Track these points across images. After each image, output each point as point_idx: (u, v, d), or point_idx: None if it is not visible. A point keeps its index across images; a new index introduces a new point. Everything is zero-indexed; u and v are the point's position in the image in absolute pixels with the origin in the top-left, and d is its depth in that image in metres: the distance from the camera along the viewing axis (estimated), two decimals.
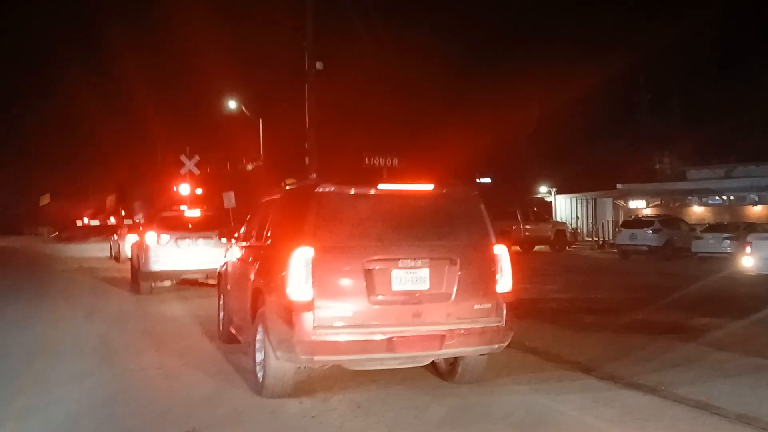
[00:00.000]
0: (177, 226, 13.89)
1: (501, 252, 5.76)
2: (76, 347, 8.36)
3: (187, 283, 14.53)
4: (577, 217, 38.72)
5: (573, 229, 35.36)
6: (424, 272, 5.47)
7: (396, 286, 5.40)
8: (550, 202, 39.88)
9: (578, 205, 39.20)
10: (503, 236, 22.53)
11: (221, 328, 8.43)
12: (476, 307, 5.57)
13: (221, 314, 8.52)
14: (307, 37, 20.41)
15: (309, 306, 5.20)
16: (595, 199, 38.34)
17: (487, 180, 40.35)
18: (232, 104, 33.51)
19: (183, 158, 32.52)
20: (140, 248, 14.13)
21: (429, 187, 5.85)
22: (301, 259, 5.24)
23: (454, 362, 6.21)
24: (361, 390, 6.04)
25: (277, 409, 5.55)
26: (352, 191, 5.58)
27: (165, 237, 13.62)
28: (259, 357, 5.97)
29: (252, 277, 6.44)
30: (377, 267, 5.36)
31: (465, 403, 5.77)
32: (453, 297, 5.51)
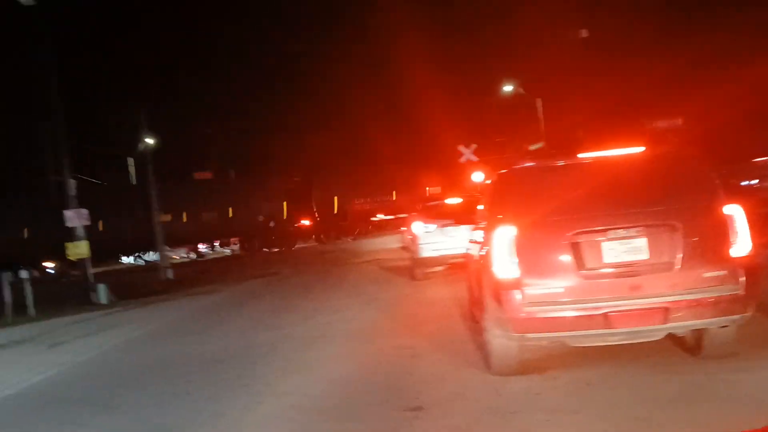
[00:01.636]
0: (441, 214, 14.53)
1: (733, 212, 5.10)
2: (347, 332, 9.28)
3: (460, 268, 15.10)
4: None
5: None
6: (640, 241, 5.08)
7: (608, 258, 5.11)
8: None
9: None
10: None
11: (468, 309, 8.67)
12: (706, 275, 5.01)
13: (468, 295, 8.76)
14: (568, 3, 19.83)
15: (516, 283, 5.17)
16: None
17: None
18: (508, 87, 33.68)
19: (461, 148, 33.64)
20: (411, 237, 15.07)
21: (636, 150, 5.41)
22: (503, 237, 5.24)
23: (699, 336, 5.65)
24: (594, 368, 5.78)
25: (502, 386, 5.60)
26: (552, 164, 5.41)
27: (431, 225, 14.34)
28: (486, 335, 6.08)
29: (476, 257, 6.58)
30: (585, 239, 5.12)
31: (707, 379, 5.22)
32: (676, 266, 5.03)
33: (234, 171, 44.97)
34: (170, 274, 25.92)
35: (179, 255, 44.52)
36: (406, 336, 8.40)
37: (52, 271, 39.67)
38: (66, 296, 18.72)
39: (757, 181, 24.13)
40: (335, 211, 44.34)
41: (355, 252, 31.32)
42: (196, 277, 24.99)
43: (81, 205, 18.85)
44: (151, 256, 40.21)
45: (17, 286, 17.07)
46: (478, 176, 31.19)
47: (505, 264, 5.23)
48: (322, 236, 45.08)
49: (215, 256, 46.37)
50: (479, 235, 6.91)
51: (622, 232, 5.11)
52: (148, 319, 14.22)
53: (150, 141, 27.72)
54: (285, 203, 42.30)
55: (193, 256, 46.74)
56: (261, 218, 40.67)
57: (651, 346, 5.95)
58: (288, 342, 8.92)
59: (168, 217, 32.50)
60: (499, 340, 5.65)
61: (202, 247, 47.68)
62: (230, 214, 41.37)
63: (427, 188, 37.15)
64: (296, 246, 43.07)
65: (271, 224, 40.69)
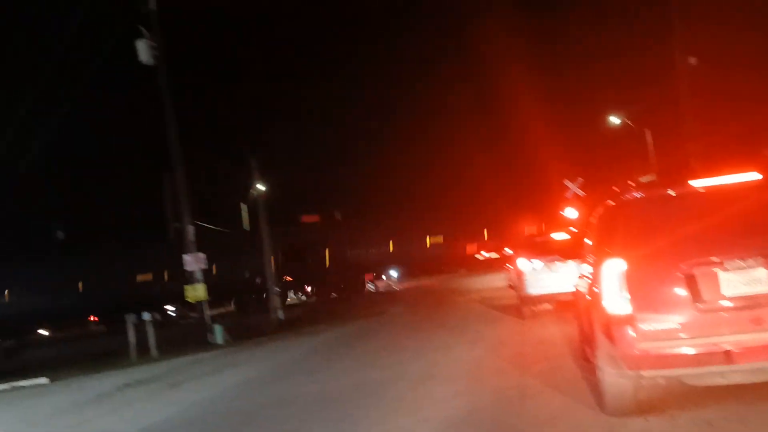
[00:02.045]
0: (547, 251, 14.26)
1: None
2: (454, 371, 9.21)
3: (569, 306, 14.73)
4: None
5: None
6: (760, 272, 4.81)
7: (726, 291, 4.85)
8: None
9: None
10: None
11: (579, 347, 8.43)
12: None
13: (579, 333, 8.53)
14: (673, 32, 19.32)
15: (629, 319, 5.00)
16: None
17: None
18: (614, 119, 32.89)
19: (567, 182, 33.02)
20: (517, 275, 14.86)
21: (753, 177, 5.16)
22: (613, 271, 5.10)
23: None
24: (715, 406, 5.46)
25: (617, 427, 5.38)
26: (662, 194, 5.24)
27: (537, 262, 14.10)
28: (599, 374, 5.90)
29: (585, 293, 6.43)
30: (700, 271, 4.90)
31: None
32: None
33: (340, 213, 46.04)
34: (281, 314, 26.67)
35: (289, 296, 45.72)
36: (515, 375, 8.24)
37: (173, 314, 41.72)
38: (185, 337, 19.65)
39: None
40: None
41: (459, 290, 31.15)
42: (306, 318, 25.60)
43: (198, 249, 19.84)
44: (263, 297, 41.53)
45: (141, 328, 18.10)
46: (574, 212, 30.40)
47: (615, 299, 5.09)
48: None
49: (325, 297, 47.34)
50: (588, 270, 6.76)
51: (740, 263, 4.87)
52: (262, 358, 14.68)
53: (261, 187, 28.90)
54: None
55: (302, 297, 47.93)
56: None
57: None
58: (396, 381, 8.96)
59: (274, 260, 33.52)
60: (613, 379, 5.45)
61: (310, 289, 48.86)
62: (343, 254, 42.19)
63: (525, 228, 36.62)
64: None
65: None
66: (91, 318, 49.17)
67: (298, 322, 24.12)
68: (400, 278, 57.88)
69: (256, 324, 24.31)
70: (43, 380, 15.56)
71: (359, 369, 10.69)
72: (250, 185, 29.07)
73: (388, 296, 35.87)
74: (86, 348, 20.41)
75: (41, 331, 49.91)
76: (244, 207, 30.26)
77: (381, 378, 9.36)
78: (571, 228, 20.47)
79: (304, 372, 11.64)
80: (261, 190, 29.24)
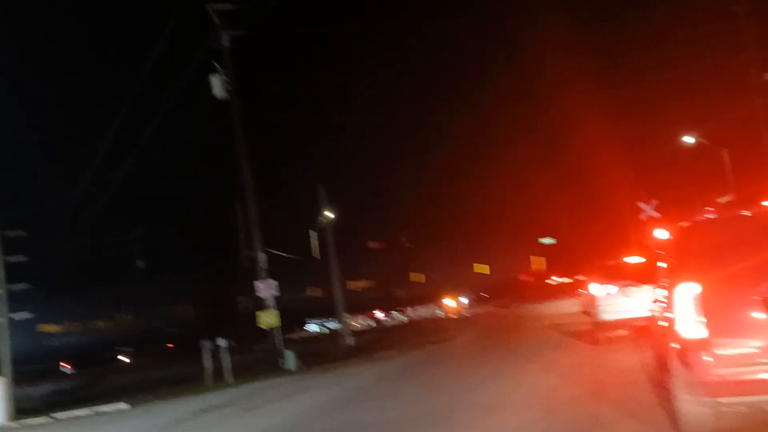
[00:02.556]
0: (620, 275, 13.92)
1: None
2: (526, 399, 9.05)
3: (645, 331, 14.29)
4: None
5: None
6: None
7: None
8: None
9: None
10: None
11: (655, 373, 8.17)
12: None
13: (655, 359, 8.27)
14: (746, 47, 18.78)
15: (704, 344, 4.85)
16: None
17: None
18: (689, 138, 31.99)
19: (641, 204, 32.18)
20: (590, 300, 14.54)
21: None
22: (686, 295, 4.96)
23: None
24: None
25: None
26: (736, 214, 5.09)
27: (610, 287, 13.78)
28: (676, 401, 5.71)
29: (660, 318, 6.25)
30: None
31: None
32: None
33: (406, 238, 46.06)
34: (351, 341, 26.82)
35: (359, 322, 45.93)
36: (590, 404, 8.04)
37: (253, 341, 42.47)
38: (258, 363, 19.97)
39: None
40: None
41: (531, 316, 30.59)
42: (375, 344, 25.63)
43: (270, 276, 20.24)
44: (333, 324, 41.88)
45: (216, 354, 18.53)
46: (661, 233, 29.47)
47: (691, 323, 4.94)
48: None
49: (392, 323, 47.32)
50: (662, 294, 6.58)
51: None
52: (332, 385, 14.77)
53: (329, 214, 29.33)
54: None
55: (371, 323, 48.07)
56: None
57: None
58: (466, 410, 8.85)
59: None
60: (690, 406, 5.27)
61: (379, 315, 48.95)
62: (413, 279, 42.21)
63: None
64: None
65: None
66: (169, 345, 50.65)
67: (367, 348, 24.18)
68: (470, 303, 57.39)
69: (325, 350, 24.51)
70: (124, 406, 16.09)
71: (428, 396, 10.64)
72: (319, 213, 29.53)
73: (458, 322, 35.56)
74: (164, 374, 21.04)
75: (121, 357, 51.65)
76: (313, 234, 30.75)
77: (450, 406, 9.28)
78: (646, 251, 19.92)
79: (373, 398, 11.65)
80: (329, 218, 29.67)
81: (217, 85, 20.09)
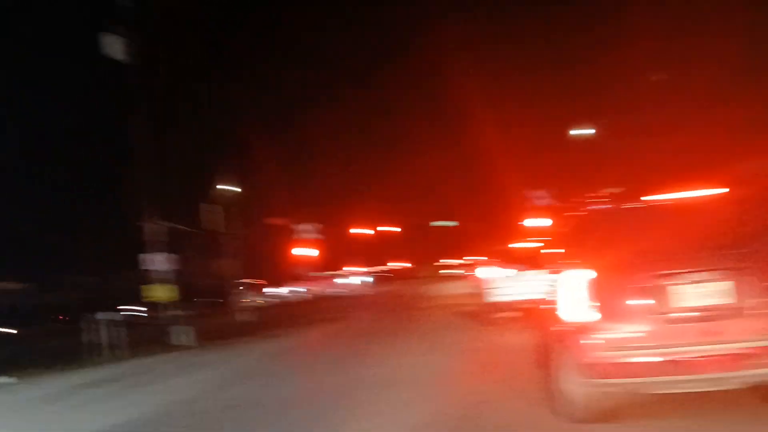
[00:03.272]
0: (512, 259, 14.45)
1: None
2: (415, 377, 9.25)
3: (532, 313, 14.88)
4: None
5: None
6: (722, 285, 4.96)
7: (688, 302, 4.99)
8: None
9: None
10: None
11: (541, 354, 8.55)
12: None
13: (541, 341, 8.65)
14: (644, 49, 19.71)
15: (591, 328, 5.13)
16: None
17: None
18: (584, 130, 33.32)
19: (532, 192, 33.37)
20: (480, 282, 15.02)
21: (718, 191, 5.34)
22: (579, 280, 5.22)
23: None
24: (674, 416, 5.59)
25: None
26: (629, 205, 5.39)
27: (502, 269, 14.28)
28: (560, 382, 6.01)
29: (551, 301, 6.54)
30: (663, 282, 5.03)
31: None
32: (761, 310, 4.87)
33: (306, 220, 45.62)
34: (247, 316, 26.51)
35: (256, 298, 45.34)
36: (476, 382, 8.34)
37: (142, 314, 41.00)
38: (151, 338, 19.35)
39: None
40: None
41: (423, 296, 31.28)
42: (274, 320, 25.43)
43: (168, 249, 19.61)
44: (228, 298, 41.16)
45: (110, 327, 17.83)
46: (538, 221, 30.74)
47: (582, 308, 5.20)
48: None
49: (291, 298, 47.00)
50: (555, 278, 6.88)
51: (704, 275, 5.00)
52: (224, 361, 14.57)
53: (232, 188, 28.79)
54: None
55: (267, 298, 47.51)
56: None
57: (736, 395, 5.75)
58: (357, 387, 8.95)
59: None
60: (574, 387, 5.56)
61: (277, 290, 48.45)
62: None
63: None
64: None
65: None
66: (60, 317, 48.13)
67: (266, 324, 23.99)
68: (366, 283, 57.97)
69: (218, 326, 24.09)
70: (7, 379, 15.23)
71: (321, 373, 10.71)
72: (220, 186, 28.90)
73: (353, 301, 35.86)
74: (54, 346, 20.05)
75: (5, 329, 48.66)
76: (214, 208, 30.06)
77: (342, 382, 9.38)
78: (534, 237, 20.75)
79: (266, 375, 11.60)
80: (232, 191, 29.11)
81: (113, 46, 19.05)
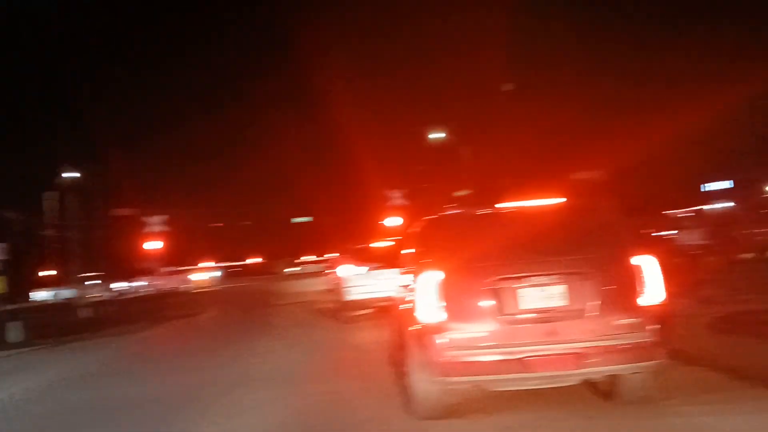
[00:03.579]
0: (368, 257, 14.63)
1: (645, 262, 5.39)
2: (271, 375, 9.14)
3: (386, 311, 15.18)
4: None
5: None
6: (557, 288, 5.31)
7: (527, 304, 5.30)
8: None
9: None
10: (729, 242, 20.32)
11: (393, 352, 8.74)
12: (619, 322, 5.26)
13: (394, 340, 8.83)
14: (496, 60, 20.64)
15: (440, 328, 5.30)
16: None
17: (718, 185, 37.01)
18: (437, 134, 34.40)
19: (389, 192, 34.09)
20: (338, 280, 15.09)
21: (557, 201, 5.70)
22: (429, 282, 5.38)
23: (614, 381, 5.89)
24: (515, 412, 5.92)
25: (424, 431, 5.68)
26: (477, 212, 5.62)
27: (358, 268, 14.42)
28: (410, 379, 6.15)
29: (403, 301, 6.69)
30: (506, 286, 5.31)
31: (621, 425, 5.44)
32: (590, 313, 5.26)
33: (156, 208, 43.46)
34: (88, 313, 24.96)
35: (97, 293, 42.84)
36: (331, 380, 8.37)
37: None
38: None
39: (668, 232, 25.45)
40: None
41: (281, 293, 30.99)
42: (115, 317, 24.15)
43: None
44: (68, 293, 38.62)
45: None
46: (395, 221, 31.61)
47: (430, 308, 5.35)
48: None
49: (136, 294, 44.84)
50: (406, 279, 7.04)
51: (541, 279, 5.31)
52: (64, 360, 13.66)
53: (72, 175, 26.96)
54: None
55: (111, 293, 45.03)
56: None
57: (571, 392, 6.17)
58: (209, 387, 8.71)
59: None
60: (423, 384, 5.73)
61: (122, 285, 46.07)
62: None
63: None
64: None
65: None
66: None
67: (108, 320, 22.71)
68: (219, 278, 56.57)
69: (58, 322, 22.52)
70: None
71: (169, 373, 10.30)
72: (59, 172, 27.02)
73: (204, 297, 34.86)
74: None
75: None
76: (51, 195, 28.09)
77: (192, 383, 9.07)
78: (392, 236, 21.17)
79: (112, 374, 11.02)
80: (72, 178, 27.29)
81: None
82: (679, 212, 25.65)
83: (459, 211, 5.71)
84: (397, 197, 33.68)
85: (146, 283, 45.26)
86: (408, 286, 6.49)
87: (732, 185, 36.90)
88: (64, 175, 27.29)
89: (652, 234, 26.86)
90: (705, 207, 25.83)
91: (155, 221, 40.07)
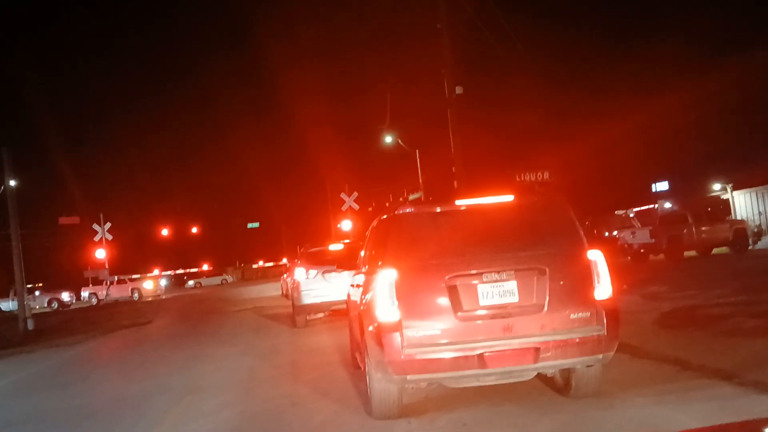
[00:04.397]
0: (323, 261, 14.52)
1: (596, 258, 5.49)
2: (224, 382, 9.00)
3: (342, 314, 15.13)
4: (760, 212, 35.32)
5: (757, 227, 32.28)
6: (512, 285, 5.35)
7: (482, 301, 5.33)
8: (727, 199, 36.72)
9: (760, 200, 35.78)
10: (674, 241, 21.00)
11: (350, 354, 8.70)
12: (572, 316, 5.33)
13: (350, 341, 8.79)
14: (445, 63, 20.71)
15: (397, 326, 5.28)
16: None
17: (665, 185, 38.01)
18: (388, 139, 34.40)
19: (343, 195, 34.03)
20: (292, 284, 14.94)
21: (508, 198, 5.75)
22: (384, 281, 5.36)
23: (568, 376, 5.97)
24: (471, 409, 5.97)
25: (384, 431, 5.65)
26: (430, 210, 5.64)
27: (312, 272, 14.30)
28: (367, 380, 6.13)
29: (358, 301, 6.66)
30: (461, 283, 5.33)
31: (576, 418, 5.51)
32: (545, 308, 5.33)
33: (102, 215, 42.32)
34: (31, 324, 24.16)
35: (40, 304, 41.48)
36: (287, 385, 8.26)
37: None
38: None
39: (616, 232, 26.03)
40: None
41: (233, 300, 30.60)
42: (60, 328, 23.47)
43: None
44: (9, 304, 37.31)
45: None
46: (350, 224, 31.62)
47: (386, 307, 5.33)
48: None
49: (81, 305, 43.62)
50: (361, 279, 7.01)
51: (494, 276, 5.35)
52: (8, 372, 13.16)
53: (11, 182, 26.01)
54: None
55: (55, 305, 43.65)
56: None
57: (525, 387, 6.24)
58: (161, 394, 8.53)
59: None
60: (380, 384, 5.71)
61: (66, 296, 44.69)
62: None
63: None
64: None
65: None
66: None
67: (51, 331, 22.03)
68: (167, 286, 55.48)
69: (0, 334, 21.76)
70: None
71: (120, 382, 10.05)
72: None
73: (154, 305, 34.15)
74: None
75: None
76: None
77: (144, 391, 8.87)
78: (346, 239, 21.13)
79: (58, 386, 10.64)
80: (11, 186, 26.34)
81: None
82: (630, 212, 26.22)
83: (412, 210, 5.69)
84: (350, 201, 33.64)
85: (93, 293, 44.11)
86: (362, 286, 6.47)
87: (668, 186, 38.01)
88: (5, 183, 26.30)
89: (605, 234, 27.47)
90: (654, 206, 26.53)
91: (101, 229, 39.11)
